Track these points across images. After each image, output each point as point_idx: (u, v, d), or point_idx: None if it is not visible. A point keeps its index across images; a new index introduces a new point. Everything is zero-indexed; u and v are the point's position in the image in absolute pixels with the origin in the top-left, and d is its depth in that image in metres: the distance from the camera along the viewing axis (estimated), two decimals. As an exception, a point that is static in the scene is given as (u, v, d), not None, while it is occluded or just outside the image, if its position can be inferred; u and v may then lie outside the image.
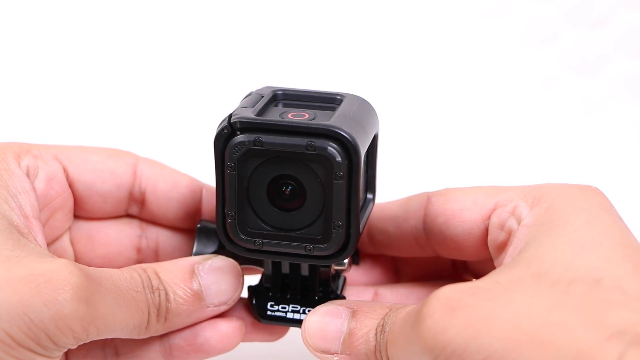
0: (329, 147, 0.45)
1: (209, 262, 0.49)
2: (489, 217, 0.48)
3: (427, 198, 0.51)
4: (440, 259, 0.54)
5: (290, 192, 0.47)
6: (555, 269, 0.39)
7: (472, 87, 0.93)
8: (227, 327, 0.50)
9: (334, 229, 0.46)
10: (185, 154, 0.78)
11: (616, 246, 0.40)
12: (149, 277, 0.47)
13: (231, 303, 0.50)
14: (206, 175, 0.54)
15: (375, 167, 0.51)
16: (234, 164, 0.46)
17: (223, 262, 0.50)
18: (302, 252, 0.47)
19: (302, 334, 0.47)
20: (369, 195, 0.51)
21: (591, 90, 0.92)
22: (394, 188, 0.63)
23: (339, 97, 0.50)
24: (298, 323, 0.50)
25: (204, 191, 0.54)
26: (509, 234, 0.45)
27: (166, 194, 0.54)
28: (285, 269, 0.51)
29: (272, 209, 0.47)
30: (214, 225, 0.53)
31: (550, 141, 0.92)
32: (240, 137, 0.46)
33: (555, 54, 0.92)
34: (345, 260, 0.51)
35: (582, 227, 0.41)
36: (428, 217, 0.51)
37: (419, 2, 0.93)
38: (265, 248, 0.47)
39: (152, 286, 0.47)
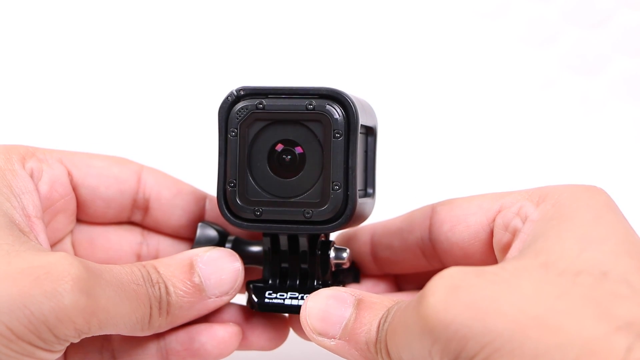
0: (328, 105, 0.47)
1: (208, 253, 0.50)
2: (494, 220, 0.48)
3: (432, 208, 0.51)
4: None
5: (290, 159, 0.48)
6: (563, 260, 0.39)
7: (472, 88, 0.93)
8: (224, 333, 0.50)
9: (332, 189, 0.48)
10: (189, 166, 0.78)
11: (622, 243, 0.40)
12: (148, 272, 0.47)
13: (233, 293, 0.50)
14: (209, 186, 0.54)
15: (375, 163, 0.52)
16: (237, 129, 0.48)
17: (222, 253, 0.50)
18: (301, 217, 0.48)
19: (301, 314, 0.46)
20: (369, 190, 0.52)
21: (591, 90, 0.92)
22: (395, 200, 0.63)
23: None
24: (296, 310, 0.50)
25: (207, 200, 0.55)
26: (514, 234, 0.45)
27: (170, 201, 0.54)
28: (284, 258, 0.51)
29: (271, 176, 0.49)
30: (215, 225, 0.53)
31: (551, 141, 0.92)
32: (243, 103, 0.48)
33: (555, 54, 0.92)
34: (345, 254, 0.51)
35: (589, 222, 0.41)
36: (434, 226, 0.51)
37: (419, 2, 0.93)
38: (264, 217, 0.48)
39: (151, 280, 0.47)
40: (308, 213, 0.48)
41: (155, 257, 0.54)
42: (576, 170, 0.89)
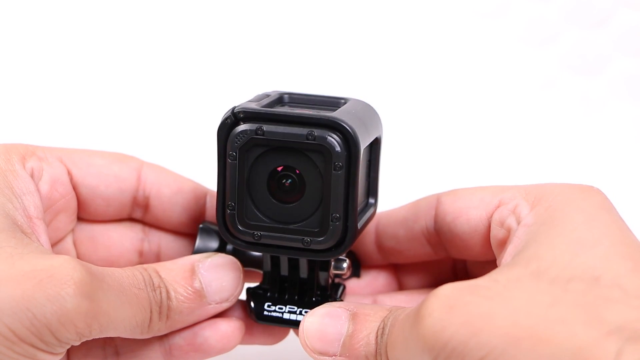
0: (329, 137, 0.45)
1: (209, 259, 0.50)
2: (492, 215, 0.48)
3: (437, 198, 0.52)
4: (442, 267, 0.55)
5: (290, 184, 0.47)
6: (554, 267, 0.39)
7: (472, 88, 0.93)
8: (227, 327, 0.50)
9: (332, 221, 0.46)
10: (190, 161, 0.78)
11: (615, 245, 0.40)
12: (150, 275, 0.47)
13: (233, 300, 0.50)
14: (210, 181, 0.54)
15: (378, 171, 0.51)
16: (236, 153, 0.47)
17: (223, 260, 0.50)
18: (300, 245, 0.47)
19: (299, 335, 0.47)
20: (371, 200, 0.51)
21: (591, 90, 0.93)
22: (396, 193, 0.63)
23: (342, 101, 0.51)
24: (295, 324, 0.50)
25: (207, 197, 0.54)
26: (508, 232, 0.45)
27: (170, 199, 0.54)
28: (284, 270, 0.51)
29: (271, 201, 0.48)
30: (216, 226, 0.53)
31: (550, 141, 0.92)
32: (242, 126, 0.46)
33: (555, 54, 0.92)
34: (344, 265, 0.51)
35: (582, 226, 0.42)
36: (438, 216, 0.51)
37: (419, 2, 0.93)
38: (263, 241, 0.48)
39: (153, 284, 0.47)
40: (306, 241, 0.47)
41: (157, 253, 0.55)
42: (576, 170, 0.89)
